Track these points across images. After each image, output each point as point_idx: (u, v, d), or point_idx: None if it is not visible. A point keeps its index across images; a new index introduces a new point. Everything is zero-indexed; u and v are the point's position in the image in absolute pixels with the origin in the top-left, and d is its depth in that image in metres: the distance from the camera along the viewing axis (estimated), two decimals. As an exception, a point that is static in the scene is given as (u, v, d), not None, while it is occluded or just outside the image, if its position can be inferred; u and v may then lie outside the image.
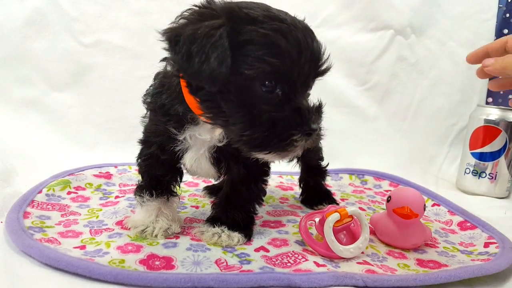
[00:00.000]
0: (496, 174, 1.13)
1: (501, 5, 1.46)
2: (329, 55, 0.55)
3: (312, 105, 0.53)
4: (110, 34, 1.33)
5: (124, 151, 1.04)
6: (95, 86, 1.33)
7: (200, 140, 0.61)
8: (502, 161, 1.13)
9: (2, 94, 1.26)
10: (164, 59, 0.62)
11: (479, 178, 1.15)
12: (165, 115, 0.59)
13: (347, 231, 0.65)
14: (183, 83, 0.55)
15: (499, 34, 1.46)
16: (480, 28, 1.45)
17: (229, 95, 0.50)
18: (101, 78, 1.33)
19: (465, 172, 1.19)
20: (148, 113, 0.66)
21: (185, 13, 0.52)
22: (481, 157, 1.15)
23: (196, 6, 0.52)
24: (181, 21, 0.52)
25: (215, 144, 0.61)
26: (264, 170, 0.69)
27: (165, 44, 0.51)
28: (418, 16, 1.48)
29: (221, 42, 0.46)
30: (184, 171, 0.70)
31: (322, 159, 0.91)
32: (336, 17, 1.43)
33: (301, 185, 0.92)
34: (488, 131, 1.14)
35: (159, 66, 0.64)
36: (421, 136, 1.46)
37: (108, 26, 1.33)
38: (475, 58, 0.80)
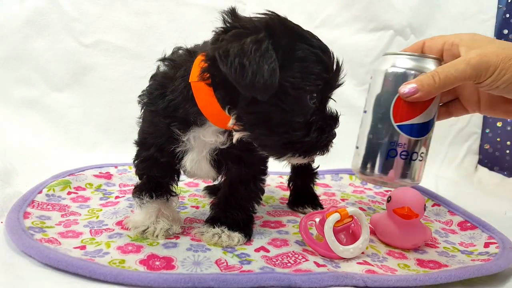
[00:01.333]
0: (426, 153, 0.80)
1: (500, 6, 1.46)
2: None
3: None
4: (110, 34, 1.33)
5: (124, 151, 1.04)
6: (95, 86, 1.33)
7: (203, 142, 0.60)
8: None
9: (2, 94, 1.26)
10: (163, 60, 0.62)
11: (410, 162, 0.75)
12: (168, 117, 0.59)
13: (348, 231, 0.65)
14: (207, 91, 0.54)
15: (498, 34, 1.46)
16: (479, 29, 1.46)
17: (282, 105, 0.52)
18: (101, 78, 1.33)
19: (388, 155, 0.76)
20: (143, 114, 0.65)
21: (219, 28, 0.54)
22: (412, 131, 0.77)
23: (227, 21, 0.53)
24: (222, 36, 0.52)
25: (217, 147, 0.61)
26: (262, 169, 0.69)
27: (207, 61, 0.53)
28: (417, 17, 1.48)
29: (270, 54, 0.48)
30: (181, 172, 0.70)
31: (312, 160, 0.89)
32: (336, 17, 1.43)
33: (289, 186, 0.92)
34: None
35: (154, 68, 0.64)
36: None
37: (108, 26, 1.33)
38: None
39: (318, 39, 0.56)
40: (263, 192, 0.71)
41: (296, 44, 0.52)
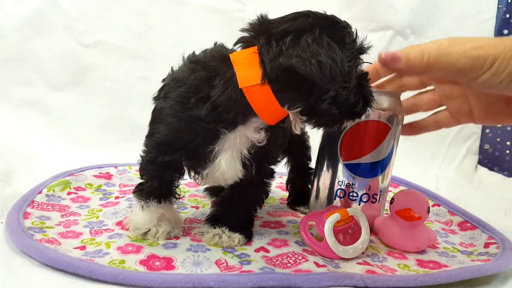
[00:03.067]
0: (380, 195, 0.75)
1: (500, 6, 1.46)
2: None
3: None
4: (110, 34, 1.33)
5: (124, 151, 1.04)
6: (95, 86, 1.33)
7: (241, 141, 0.59)
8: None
9: (2, 94, 1.26)
10: (194, 62, 0.59)
11: (359, 204, 0.73)
12: (213, 121, 0.56)
13: (348, 232, 0.65)
14: (266, 94, 0.54)
15: (498, 34, 1.46)
16: (479, 29, 1.46)
17: (346, 85, 0.54)
18: (101, 78, 1.33)
19: (335, 195, 0.75)
20: (171, 118, 0.58)
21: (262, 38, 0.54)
22: (357, 170, 0.73)
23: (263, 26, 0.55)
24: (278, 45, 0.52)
25: (255, 144, 0.59)
26: (271, 171, 0.68)
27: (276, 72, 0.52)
28: (417, 17, 1.48)
29: (333, 45, 0.51)
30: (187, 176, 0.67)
31: (310, 159, 0.89)
32: (336, 17, 1.43)
33: (288, 187, 0.92)
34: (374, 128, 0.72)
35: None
36: (421, 136, 1.46)
37: (108, 27, 1.33)
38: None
39: (344, 21, 0.58)
40: (267, 195, 0.70)
41: (339, 31, 0.55)
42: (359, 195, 0.73)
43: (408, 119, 0.76)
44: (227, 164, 0.59)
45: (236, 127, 0.57)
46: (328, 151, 0.76)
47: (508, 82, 0.51)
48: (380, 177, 0.74)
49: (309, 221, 0.67)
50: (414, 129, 0.75)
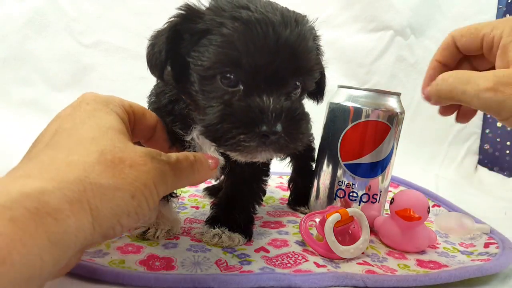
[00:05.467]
0: (380, 195, 0.75)
1: (500, 6, 1.47)
2: (310, 50, 0.50)
3: (277, 106, 0.46)
4: (110, 35, 1.34)
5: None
6: (95, 87, 1.33)
7: (207, 142, 0.59)
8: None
9: (2, 94, 1.27)
10: None
11: (359, 204, 0.74)
12: (169, 114, 0.59)
13: (348, 232, 0.65)
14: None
15: (498, 34, 1.46)
16: (479, 29, 1.46)
17: (195, 86, 0.50)
18: (101, 78, 1.34)
19: (336, 195, 0.75)
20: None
21: None
22: (357, 170, 0.72)
23: None
24: None
25: None
26: (264, 170, 0.69)
27: None
28: (417, 17, 1.48)
29: (163, 36, 0.50)
30: None
31: (313, 160, 0.88)
32: (336, 17, 1.43)
33: (290, 186, 0.92)
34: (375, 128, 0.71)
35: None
36: (421, 136, 1.47)
37: (108, 27, 1.34)
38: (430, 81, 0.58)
39: (254, 9, 0.46)
40: (264, 193, 0.71)
41: (202, 17, 0.49)
42: (359, 195, 0.73)
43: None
44: None
45: (192, 127, 0.57)
46: (328, 151, 0.76)
47: None
48: (380, 177, 0.74)
49: (309, 221, 0.67)
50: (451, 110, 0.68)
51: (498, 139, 1.49)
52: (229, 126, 0.45)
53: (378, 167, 0.73)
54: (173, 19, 0.51)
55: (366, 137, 0.71)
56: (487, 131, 1.51)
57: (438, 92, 0.52)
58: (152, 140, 0.54)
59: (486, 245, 0.70)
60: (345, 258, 0.61)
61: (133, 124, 0.49)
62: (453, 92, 0.49)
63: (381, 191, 0.75)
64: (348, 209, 0.64)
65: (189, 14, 0.50)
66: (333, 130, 0.74)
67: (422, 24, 1.49)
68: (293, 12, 0.52)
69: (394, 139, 0.73)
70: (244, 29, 0.45)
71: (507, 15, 1.45)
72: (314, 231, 0.67)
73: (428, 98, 0.56)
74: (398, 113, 0.72)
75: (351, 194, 0.74)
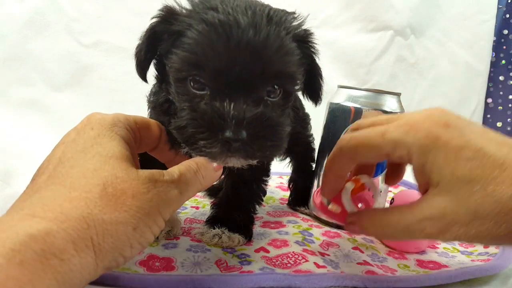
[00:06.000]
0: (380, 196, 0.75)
1: (500, 6, 1.47)
2: (284, 51, 0.46)
3: (239, 112, 0.43)
4: (110, 35, 1.34)
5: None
6: (95, 87, 1.33)
7: None
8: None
9: (2, 94, 1.27)
10: None
11: (359, 205, 0.74)
12: (165, 113, 0.58)
13: (364, 198, 0.65)
14: None
15: (498, 34, 1.47)
16: (479, 29, 1.46)
17: (172, 88, 0.50)
18: (101, 78, 1.34)
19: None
20: (150, 113, 0.65)
21: None
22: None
23: None
24: None
25: None
26: (265, 170, 0.69)
27: None
28: (417, 17, 1.48)
29: (142, 37, 0.51)
30: None
31: (313, 161, 0.88)
32: (336, 17, 1.43)
33: (290, 186, 0.92)
34: None
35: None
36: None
37: (108, 27, 1.34)
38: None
39: (221, 11, 0.45)
40: (265, 193, 0.71)
41: (176, 19, 0.48)
42: None
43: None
44: None
45: None
46: (328, 152, 0.76)
47: (473, 241, 0.39)
48: (380, 178, 0.74)
49: (319, 200, 0.64)
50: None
51: (498, 139, 1.49)
52: (193, 131, 0.44)
53: (378, 168, 0.73)
54: (153, 20, 0.51)
55: None
56: (487, 131, 1.51)
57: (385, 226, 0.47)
58: (157, 148, 0.55)
59: (486, 246, 0.70)
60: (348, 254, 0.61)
61: (139, 140, 0.49)
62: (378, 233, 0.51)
63: (381, 192, 0.75)
64: (359, 176, 0.63)
65: (166, 15, 0.50)
66: (333, 130, 0.74)
67: (422, 24, 1.49)
68: (273, 10, 0.49)
69: None
70: (207, 31, 0.44)
71: (507, 15, 1.45)
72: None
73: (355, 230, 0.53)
74: (398, 113, 0.72)
75: None
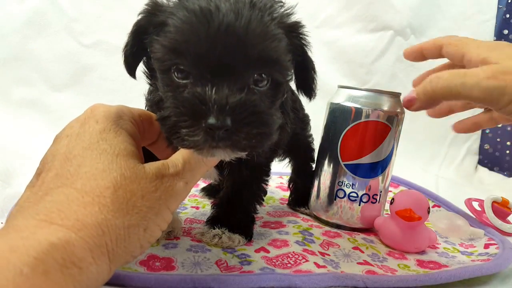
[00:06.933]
0: (380, 196, 0.75)
1: (500, 6, 1.47)
2: (268, 37, 0.45)
3: (221, 96, 0.41)
4: (110, 35, 1.34)
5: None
6: (95, 87, 1.33)
7: None
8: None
9: (2, 94, 1.27)
10: None
11: (359, 205, 0.73)
12: (160, 110, 0.58)
13: None
14: None
15: (498, 35, 1.46)
16: (479, 29, 1.46)
17: (159, 81, 0.50)
18: (101, 78, 1.34)
19: (336, 196, 0.75)
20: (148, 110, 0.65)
21: None
22: (360, 171, 0.72)
23: None
24: None
25: None
26: (265, 170, 0.68)
27: None
28: (417, 17, 1.48)
29: (132, 27, 0.51)
30: None
31: (313, 161, 0.87)
32: (336, 17, 1.43)
33: (290, 186, 0.92)
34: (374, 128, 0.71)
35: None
36: (421, 136, 1.47)
37: (108, 27, 1.34)
38: (410, 54, 0.68)
39: (210, 0, 0.44)
40: (265, 193, 0.71)
41: (160, 10, 0.48)
42: (359, 196, 0.73)
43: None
44: None
45: None
46: (328, 152, 0.76)
47: None
48: (380, 178, 0.74)
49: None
50: (466, 127, 0.73)
51: (498, 139, 1.49)
52: (175, 120, 0.42)
53: (378, 168, 0.73)
54: (140, 15, 0.51)
55: (366, 138, 0.71)
56: (487, 131, 1.51)
57: (433, 89, 0.51)
58: (156, 143, 0.55)
59: (486, 246, 0.70)
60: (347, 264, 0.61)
61: (142, 133, 0.49)
62: (451, 86, 0.49)
63: (381, 192, 0.75)
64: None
65: (152, 8, 0.50)
66: (334, 130, 0.74)
67: (422, 24, 1.49)
68: None
69: (394, 139, 0.73)
70: (188, 17, 0.43)
71: (507, 15, 1.45)
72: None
73: (411, 101, 0.54)
74: (398, 113, 0.72)
75: (351, 194, 0.74)
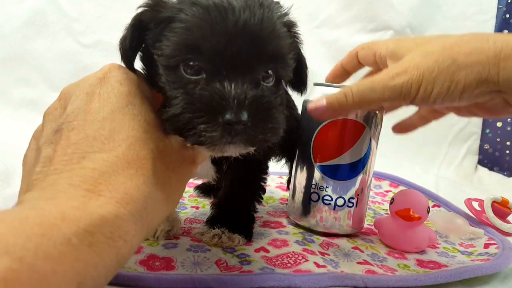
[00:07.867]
0: (357, 200, 0.70)
1: (500, 6, 1.47)
2: (277, 35, 0.46)
3: (240, 92, 0.42)
4: (110, 35, 1.33)
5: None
6: (95, 87, 1.33)
7: None
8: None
9: (2, 94, 1.27)
10: None
11: (334, 209, 0.69)
12: None
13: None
14: None
15: (498, 34, 1.46)
16: (479, 29, 1.46)
17: (162, 78, 0.48)
18: (101, 78, 1.34)
19: (310, 199, 0.70)
20: None
21: None
22: (334, 172, 0.68)
23: None
24: None
25: None
26: (263, 168, 0.68)
27: None
28: (417, 17, 1.48)
29: (131, 21, 0.50)
30: None
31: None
32: (336, 17, 1.43)
33: (289, 187, 0.91)
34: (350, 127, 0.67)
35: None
36: (421, 136, 1.46)
37: (108, 27, 1.34)
38: (333, 79, 0.69)
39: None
40: (264, 191, 0.71)
41: (179, 11, 0.46)
42: (334, 199, 0.69)
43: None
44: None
45: None
46: (302, 152, 0.71)
47: (442, 101, 0.48)
48: (356, 180, 0.69)
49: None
50: (403, 128, 0.73)
51: (498, 139, 1.49)
52: (190, 116, 0.42)
53: (353, 170, 0.68)
54: (139, 9, 0.50)
55: (339, 138, 0.67)
56: (487, 131, 1.51)
57: (347, 101, 0.52)
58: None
59: (486, 246, 0.70)
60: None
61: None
62: (363, 95, 0.51)
63: (358, 195, 0.70)
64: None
65: (153, 3, 0.49)
66: (307, 130, 0.70)
67: (422, 24, 1.49)
68: None
69: (371, 139, 0.68)
70: (202, 13, 0.43)
71: (507, 15, 1.45)
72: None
73: (318, 110, 0.55)
74: (376, 112, 0.68)
75: (324, 197, 0.69)
